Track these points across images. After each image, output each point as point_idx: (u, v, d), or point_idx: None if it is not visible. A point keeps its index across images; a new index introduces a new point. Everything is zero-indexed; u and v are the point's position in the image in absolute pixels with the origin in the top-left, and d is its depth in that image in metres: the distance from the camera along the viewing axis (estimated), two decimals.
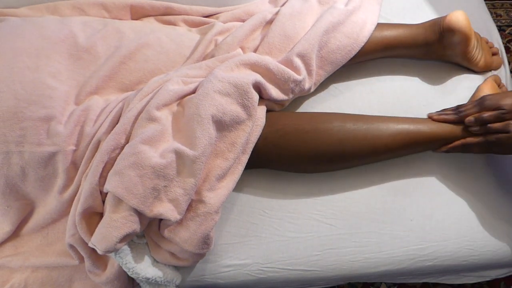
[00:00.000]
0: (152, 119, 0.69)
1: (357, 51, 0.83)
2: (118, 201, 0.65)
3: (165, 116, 0.71)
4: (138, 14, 0.91)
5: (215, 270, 0.77)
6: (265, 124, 0.76)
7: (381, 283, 1.16)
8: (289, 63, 0.78)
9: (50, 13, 0.87)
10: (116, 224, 0.64)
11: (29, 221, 0.75)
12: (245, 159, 0.74)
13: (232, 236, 0.78)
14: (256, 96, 0.73)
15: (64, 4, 0.88)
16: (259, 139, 0.75)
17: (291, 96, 0.79)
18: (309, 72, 0.79)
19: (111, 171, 0.66)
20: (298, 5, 0.85)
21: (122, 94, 0.78)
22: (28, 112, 0.69)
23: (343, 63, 0.84)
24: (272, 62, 0.76)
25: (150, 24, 0.89)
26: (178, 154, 0.67)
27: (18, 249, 0.75)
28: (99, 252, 0.64)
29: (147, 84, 0.76)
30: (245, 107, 0.72)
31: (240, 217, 0.80)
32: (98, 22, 0.84)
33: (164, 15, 0.92)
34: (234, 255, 0.78)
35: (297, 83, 0.77)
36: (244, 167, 0.74)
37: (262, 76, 0.76)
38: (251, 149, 0.74)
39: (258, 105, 0.76)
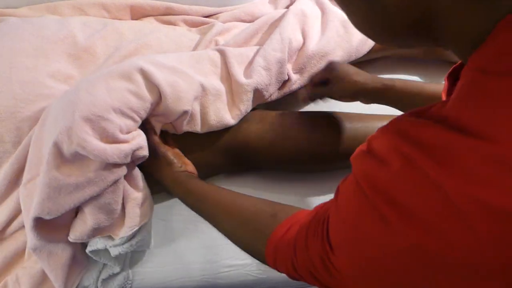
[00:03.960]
0: None
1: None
2: None
3: None
4: (138, 14, 0.92)
5: (215, 270, 0.77)
6: (258, 123, 0.76)
7: None
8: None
9: (50, 13, 0.88)
10: None
11: None
12: None
13: None
14: None
15: (64, 4, 0.88)
16: (252, 137, 0.75)
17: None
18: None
19: None
20: (301, 11, 0.84)
21: None
22: (26, 112, 0.69)
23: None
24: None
25: (149, 24, 0.89)
26: None
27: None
28: None
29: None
30: None
31: None
32: (97, 22, 0.84)
33: (164, 15, 0.92)
34: (234, 255, 0.77)
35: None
36: None
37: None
38: None
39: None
